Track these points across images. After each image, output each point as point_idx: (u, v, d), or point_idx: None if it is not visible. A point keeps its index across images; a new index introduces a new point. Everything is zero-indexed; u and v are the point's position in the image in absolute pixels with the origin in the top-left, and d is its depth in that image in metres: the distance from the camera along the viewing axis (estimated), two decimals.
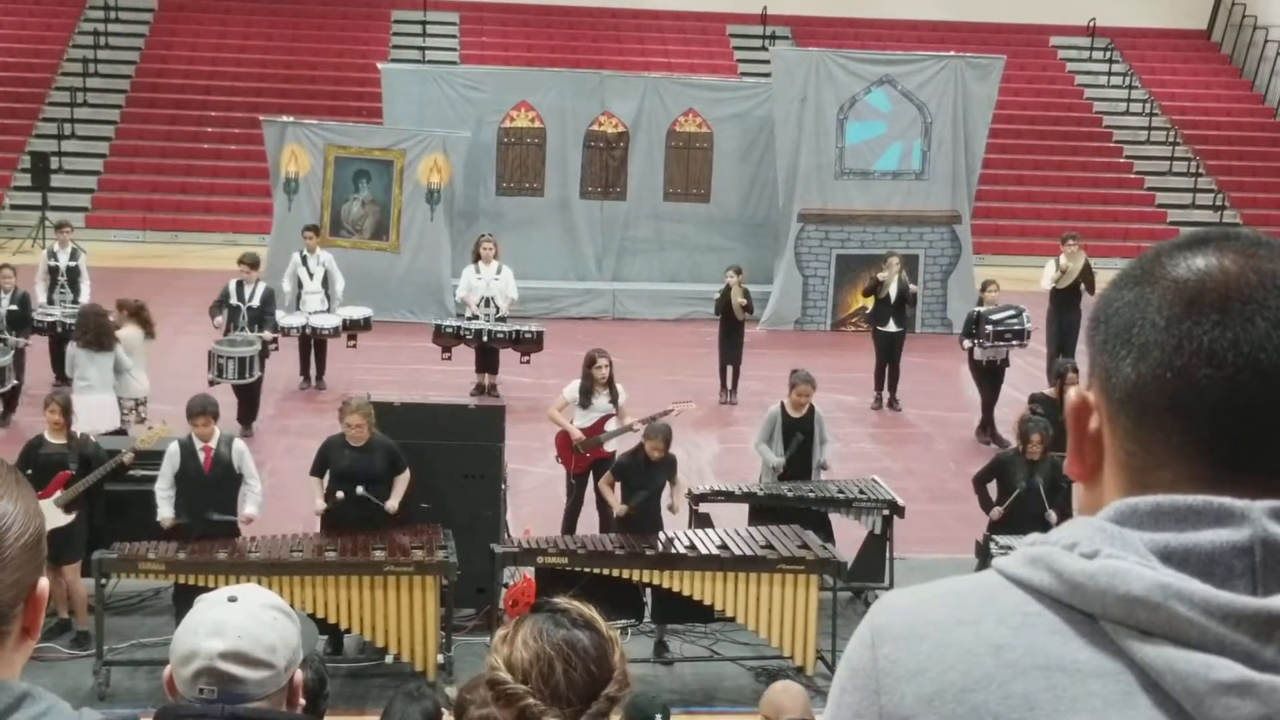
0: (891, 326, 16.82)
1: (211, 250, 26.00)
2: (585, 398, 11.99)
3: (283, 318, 16.17)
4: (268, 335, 15.06)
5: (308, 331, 16.37)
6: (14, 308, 14.81)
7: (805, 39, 31.96)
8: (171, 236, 26.67)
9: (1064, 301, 16.99)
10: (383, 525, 9.91)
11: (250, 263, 15.28)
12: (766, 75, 23.79)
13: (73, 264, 16.19)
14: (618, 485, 10.47)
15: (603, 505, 11.07)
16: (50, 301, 16.03)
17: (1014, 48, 30.74)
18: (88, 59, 30.95)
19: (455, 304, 16.93)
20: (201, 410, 9.87)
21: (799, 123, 21.63)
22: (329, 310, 16.60)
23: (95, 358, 12.77)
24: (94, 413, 12.27)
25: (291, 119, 21.89)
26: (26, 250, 25.48)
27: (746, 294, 16.83)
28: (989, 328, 15.34)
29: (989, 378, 15.63)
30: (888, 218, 21.80)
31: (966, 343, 15.67)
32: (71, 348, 12.91)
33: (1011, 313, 15.49)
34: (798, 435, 11.39)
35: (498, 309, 16.58)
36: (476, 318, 16.51)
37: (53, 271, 16.18)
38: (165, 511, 9.82)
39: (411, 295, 20.58)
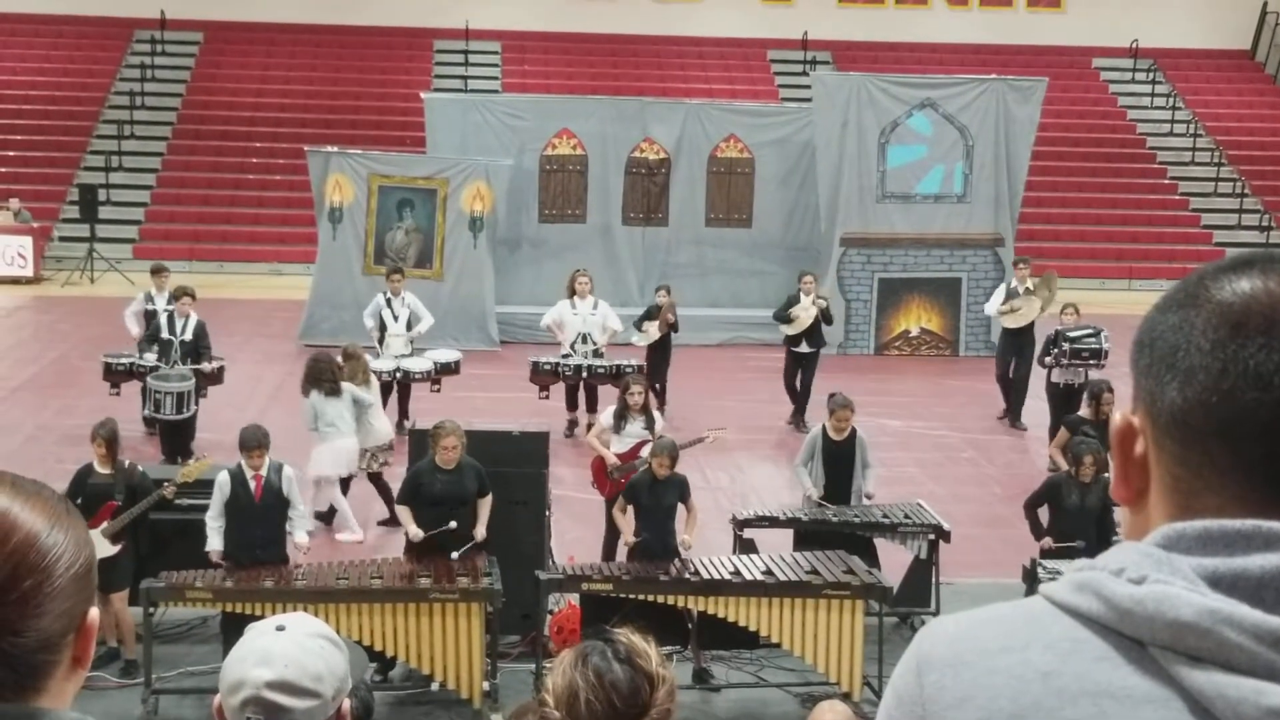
0: (804, 347, 16.75)
1: (257, 280, 26.22)
2: (619, 422, 12.06)
3: (370, 363, 15.57)
4: (206, 367, 14.66)
5: (398, 376, 15.78)
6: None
7: (846, 63, 31.96)
8: (218, 266, 26.88)
9: (1017, 328, 17.00)
10: (471, 549, 9.98)
11: (189, 294, 14.84)
12: (807, 100, 23.79)
13: (170, 307, 15.39)
14: (629, 510, 10.43)
15: (611, 533, 11.12)
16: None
17: (1056, 70, 30.62)
18: (134, 91, 31.29)
19: (543, 329, 16.69)
20: (257, 444, 9.94)
21: (840, 147, 21.61)
22: (412, 353, 16.11)
23: (332, 402, 12.59)
24: (340, 456, 12.42)
25: (336, 149, 22.05)
26: (75, 282, 25.76)
27: (674, 311, 16.85)
28: (1066, 345, 15.23)
29: (1064, 402, 15.18)
30: (930, 241, 21.74)
31: (1047, 359, 15.54)
32: (314, 396, 12.77)
33: (1089, 331, 15.38)
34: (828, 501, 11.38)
35: (595, 345, 16.22)
36: (571, 355, 16.18)
37: (150, 315, 15.61)
38: (215, 544, 9.88)
39: (455, 323, 20.64)
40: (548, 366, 16.22)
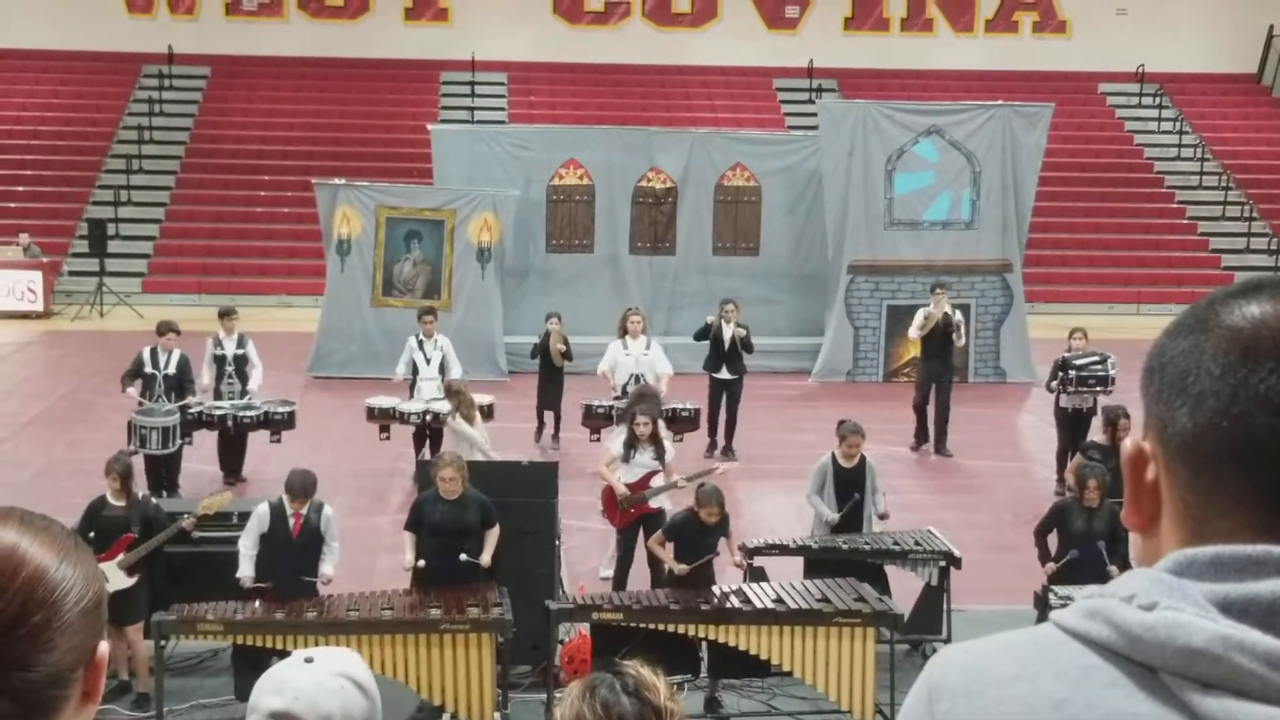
0: (724, 374, 16.72)
1: (266, 312, 26.25)
2: (628, 452, 12.02)
3: (401, 405, 15.51)
4: (192, 403, 14.50)
5: (428, 419, 15.24)
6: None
7: (851, 91, 32.04)
8: (227, 300, 26.89)
9: (933, 349, 17.05)
10: (477, 580, 9.96)
11: (174, 331, 14.53)
12: (813, 128, 23.84)
13: (240, 351, 15.16)
14: (669, 545, 10.40)
15: (655, 562, 11.02)
16: (218, 394, 15.08)
17: (1062, 95, 30.68)
18: (143, 126, 31.43)
19: (599, 376, 16.35)
20: (302, 492, 9.95)
21: (847, 174, 21.63)
22: (444, 397, 15.36)
23: None
24: None
25: (343, 181, 22.12)
26: (84, 317, 25.82)
27: (565, 340, 16.82)
28: (1073, 372, 15.27)
29: (1072, 426, 15.35)
30: (938, 267, 21.72)
31: (1054, 385, 15.57)
32: None
33: (1096, 358, 15.40)
34: (854, 496, 11.34)
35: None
36: (624, 397, 15.39)
37: (219, 360, 15.11)
38: (246, 570, 9.86)
39: (464, 354, 20.51)
40: (601, 410, 15.71)
